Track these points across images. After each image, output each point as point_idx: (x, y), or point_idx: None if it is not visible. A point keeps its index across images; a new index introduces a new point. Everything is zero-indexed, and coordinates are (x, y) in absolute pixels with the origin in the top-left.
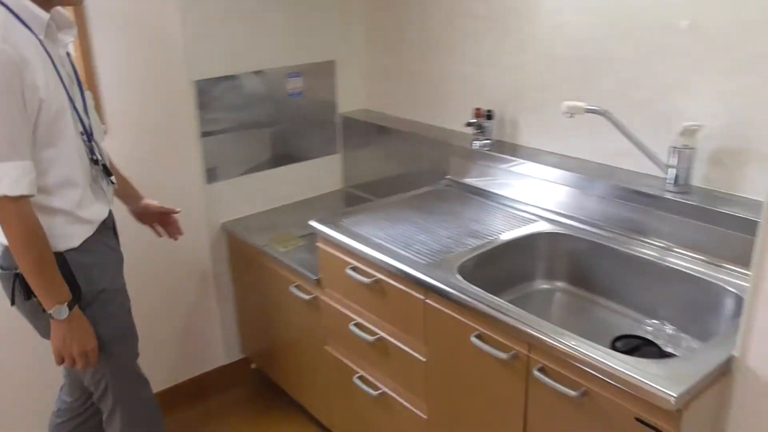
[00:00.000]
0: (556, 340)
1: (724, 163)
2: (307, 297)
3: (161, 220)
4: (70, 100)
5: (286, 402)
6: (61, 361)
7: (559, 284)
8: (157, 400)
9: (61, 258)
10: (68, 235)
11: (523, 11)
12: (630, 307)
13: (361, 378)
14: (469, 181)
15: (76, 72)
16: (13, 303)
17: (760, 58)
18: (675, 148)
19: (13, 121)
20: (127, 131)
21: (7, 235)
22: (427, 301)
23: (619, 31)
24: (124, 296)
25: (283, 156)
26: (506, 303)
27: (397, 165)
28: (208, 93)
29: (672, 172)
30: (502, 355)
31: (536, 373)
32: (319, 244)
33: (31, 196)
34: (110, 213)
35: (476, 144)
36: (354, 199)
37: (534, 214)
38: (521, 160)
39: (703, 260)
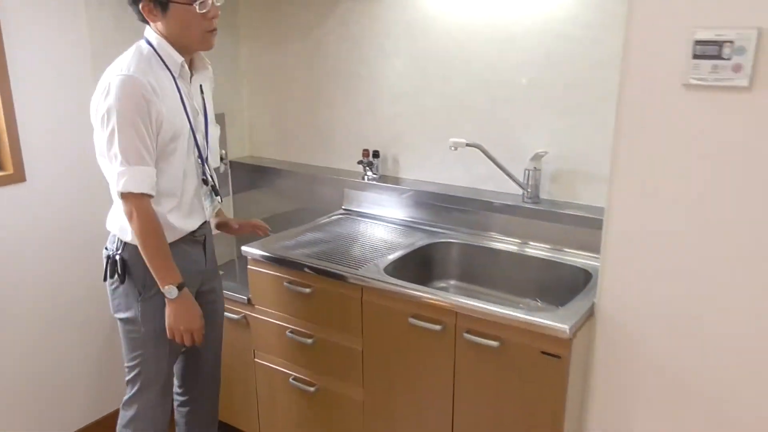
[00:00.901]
0: (478, 307)
1: (560, 180)
2: (237, 317)
3: (248, 230)
4: (191, 128)
5: None
6: (172, 336)
7: (452, 282)
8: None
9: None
10: (170, 230)
11: (394, 73)
12: (506, 292)
13: (296, 379)
14: (362, 209)
15: (205, 106)
16: (105, 279)
17: (578, 106)
18: (527, 170)
19: (141, 134)
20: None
21: (131, 225)
22: (364, 298)
23: (476, 87)
24: None
25: None
26: (432, 288)
27: (291, 202)
28: None
29: (528, 188)
30: (436, 327)
31: (465, 335)
32: (251, 267)
33: (151, 196)
34: (204, 228)
35: (366, 178)
36: (248, 236)
37: (424, 230)
38: (405, 188)
39: (554, 249)
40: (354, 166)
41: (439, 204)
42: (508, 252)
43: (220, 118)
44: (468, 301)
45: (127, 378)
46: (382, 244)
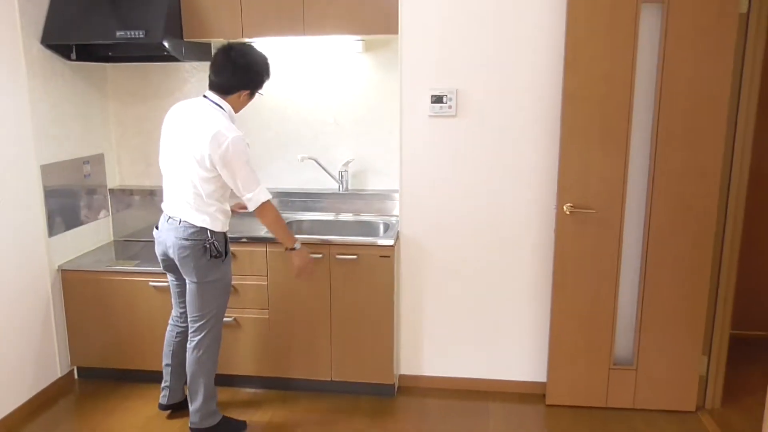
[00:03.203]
0: (343, 239)
1: (359, 176)
2: (162, 284)
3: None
4: None
5: (130, 384)
6: (299, 273)
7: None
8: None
9: (224, 236)
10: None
11: (241, 115)
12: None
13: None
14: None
15: None
16: (209, 258)
17: (366, 132)
18: (340, 171)
19: (251, 168)
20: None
21: (264, 219)
22: (268, 247)
23: (300, 123)
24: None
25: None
26: (315, 235)
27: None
28: (53, 172)
29: (341, 183)
30: (319, 255)
31: (337, 256)
32: None
33: (270, 200)
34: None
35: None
36: (127, 245)
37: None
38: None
39: (362, 215)
40: None
41: (283, 199)
42: (332, 221)
43: (98, 158)
44: (337, 237)
45: (201, 323)
46: (255, 225)
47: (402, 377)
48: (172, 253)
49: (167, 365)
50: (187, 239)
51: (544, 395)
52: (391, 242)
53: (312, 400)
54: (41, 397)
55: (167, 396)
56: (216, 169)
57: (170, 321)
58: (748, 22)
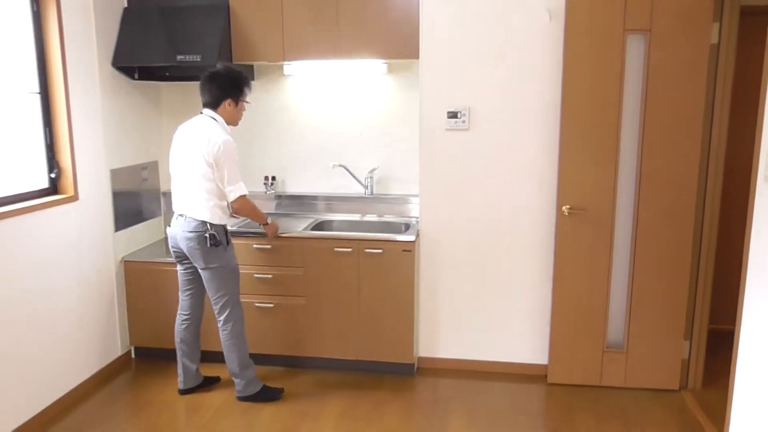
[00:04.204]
0: (371, 235)
1: (382, 182)
2: None
3: None
4: None
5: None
6: (270, 239)
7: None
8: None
9: (222, 228)
10: (224, 217)
11: (277, 131)
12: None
13: (258, 304)
14: (266, 210)
15: None
16: (207, 246)
17: (388, 144)
18: (366, 178)
19: (237, 167)
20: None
21: (244, 212)
22: (305, 242)
23: (330, 135)
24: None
25: (130, 218)
26: (344, 232)
27: None
28: (119, 176)
29: (367, 188)
30: (349, 250)
31: (366, 250)
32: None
33: (246, 194)
34: None
35: (269, 192)
36: None
37: (311, 217)
38: (294, 193)
39: (384, 216)
40: (259, 186)
41: (315, 202)
42: (361, 221)
43: (153, 165)
44: (366, 234)
45: (221, 304)
46: (292, 224)
47: (420, 359)
48: (182, 246)
49: (178, 350)
50: (191, 231)
51: (545, 375)
52: (412, 238)
53: (340, 377)
54: (104, 373)
55: (182, 380)
56: (210, 167)
57: (178, 311)
58: (719, 51)
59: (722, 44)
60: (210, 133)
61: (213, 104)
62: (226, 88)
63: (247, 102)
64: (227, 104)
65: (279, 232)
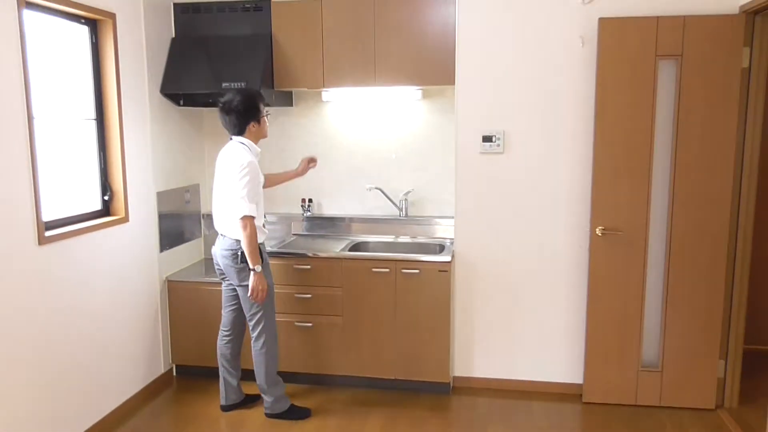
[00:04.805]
0: (407, 256)
1: (417, 204)
2: None
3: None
4: None
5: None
6: (253, 294)
7: (373, 254)
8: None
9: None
10: (260, 236)
11: (317, 150)
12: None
13: (298, 323)
14: (304, 231)
15: None
16: (237, 263)
17: (423, 167)
18: (401, 200)
19: (255, 190)
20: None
21: (244, 232)
22: (343, 262)
23: (365, 158)
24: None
25: (173, 238)
26: (380, 253)
27: None
28: (164, 198)
29: (402, 210)
30: (386, 270)
31: (403, 270)
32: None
33: (253, 217)
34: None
35: (306, 215)
36: None
37: (348, 238)
38: (330, 215)
39: (418, 238)
40: (296, 209)
41: (350, 223)
42: (395, 242)
43: (195, 188)
44: (403, 254)
45: (254, 321)
46: (329, 245)
47: (455, 378)
48: (220, 263)
49: (220, 366)
50: (226, 249)
51: (580, 395)
52: (448, 258)
53: (378, 395)
54: (149, 389)
55: (224, 396)
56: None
57: (220, 327)
58: (750, 75)
59: (753, 68)
60: (238, 156)
61: (238, 131)
62: (243, 114)
63: (268, 114)
64: (251, 127)
65: (316, 253)
